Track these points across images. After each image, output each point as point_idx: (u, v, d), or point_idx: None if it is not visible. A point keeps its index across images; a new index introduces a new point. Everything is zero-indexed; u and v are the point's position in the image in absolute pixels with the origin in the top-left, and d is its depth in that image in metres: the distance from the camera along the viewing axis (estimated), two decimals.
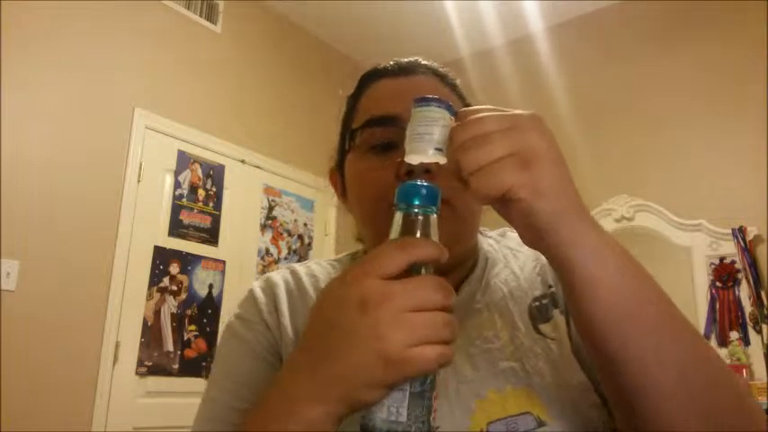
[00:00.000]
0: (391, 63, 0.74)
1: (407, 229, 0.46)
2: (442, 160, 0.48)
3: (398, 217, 0.46)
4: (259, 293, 0.72)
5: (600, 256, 0.47)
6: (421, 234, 0.46)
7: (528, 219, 0.46)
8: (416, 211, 0.46)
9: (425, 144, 0.48)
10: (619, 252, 0.48)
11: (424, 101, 0.49)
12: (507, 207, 0.47)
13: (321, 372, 0.44)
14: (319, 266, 0.77)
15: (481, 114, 0.47)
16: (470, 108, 0.49)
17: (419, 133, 0.48)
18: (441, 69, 0.74)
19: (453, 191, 0.54)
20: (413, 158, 0.48)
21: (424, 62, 0.74)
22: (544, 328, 0.65)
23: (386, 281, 0.43)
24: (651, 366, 0.47)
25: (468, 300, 0.68)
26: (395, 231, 0.46)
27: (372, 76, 0.73)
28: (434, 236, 0.46)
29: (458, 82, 0.75)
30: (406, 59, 0.74)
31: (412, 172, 0.52)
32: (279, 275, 0.75)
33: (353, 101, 0.74)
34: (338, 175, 0.75)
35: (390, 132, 0.65)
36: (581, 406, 0.60)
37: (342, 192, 0.75)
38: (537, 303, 0.66)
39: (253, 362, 0.67)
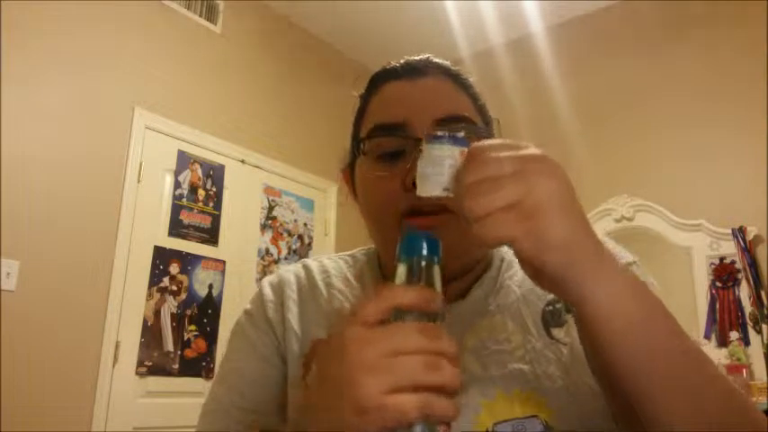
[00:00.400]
0: (402, 62, 0.72)
1: (410, 280, 0.46)
2: (452, 195, 0.48)
3: (402, 269, 0.46)
4: (267, 291, 0.74)
5: (612, 299, 0.46)
6: (424, 285, 0.46)
7: (533, 266, 0.46)
8: (418, 262, 0.46)
9: (433, 185, 0.48)
10: (631, 291, 0.48)
11: (435, 138, 0.49)
12: (515, 252, 0.46)
13: (319, 411, 0.45)
14: (332, 261, 0.78)
15: (491, 155, 0.45)
16: (481, 145, 0.47)
17: (427, 174, 0.49)
18: (453, 69, 0.72)
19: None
20: (423, 195, 0.49)
21: (435, 61, 0.71)
22: (557, 332, 0.65)
23: (367, 327, 0.43)
24: (665, 409, 0.47)
25: (481, 301, 0.68)
26: (398, 282, 0.46)
27: (382, 77, 0.72)
28: (437, 285, 0.46)
29: (472, 81, 0.72)
30: (417, 58, 0.71)
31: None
32: (291, 271, 0.76)
33: (364, 102, 0.73)
34: (350, 175, 0.74)
35: (397, 141, 0.65)
36: (588, 412, 0.60)
37: (354, 191, 0.74)
38: (550, 308, 0.66)
39: (255, 361, 0.70)
